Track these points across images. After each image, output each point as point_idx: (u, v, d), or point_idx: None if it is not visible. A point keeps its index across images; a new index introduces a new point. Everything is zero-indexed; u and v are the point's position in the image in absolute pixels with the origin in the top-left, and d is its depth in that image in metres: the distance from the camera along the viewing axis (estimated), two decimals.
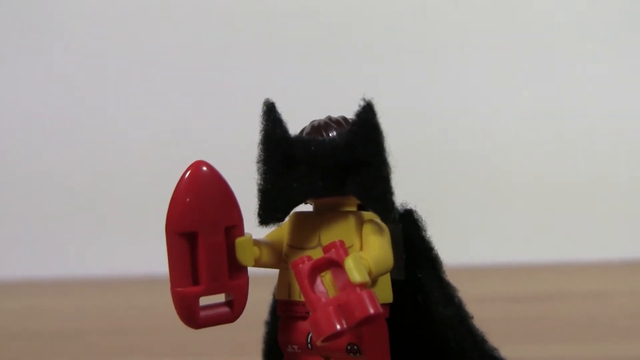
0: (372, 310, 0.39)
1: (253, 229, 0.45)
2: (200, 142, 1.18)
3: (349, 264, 0.40)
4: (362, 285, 0.40)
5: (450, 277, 0.46)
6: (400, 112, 1.16)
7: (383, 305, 0.44)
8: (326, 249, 0.42)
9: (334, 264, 0.41)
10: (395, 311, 0.46)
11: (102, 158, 1.21)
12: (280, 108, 0.45)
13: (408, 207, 0.46)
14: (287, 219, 0.46)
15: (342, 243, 0.42)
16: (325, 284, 0.42)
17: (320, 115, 0.47)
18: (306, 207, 0.47)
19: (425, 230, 0.46)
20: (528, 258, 1.17)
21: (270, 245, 0.47)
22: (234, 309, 0.46)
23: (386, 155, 0.42)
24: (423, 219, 0.46)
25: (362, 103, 0.42)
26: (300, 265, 0.42)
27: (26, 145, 1.22)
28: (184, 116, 1.21)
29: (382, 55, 1.20)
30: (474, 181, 1.20)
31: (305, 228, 0.46)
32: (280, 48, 1.20)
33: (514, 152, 1.21)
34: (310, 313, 0.41)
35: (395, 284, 0.45)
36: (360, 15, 1.21)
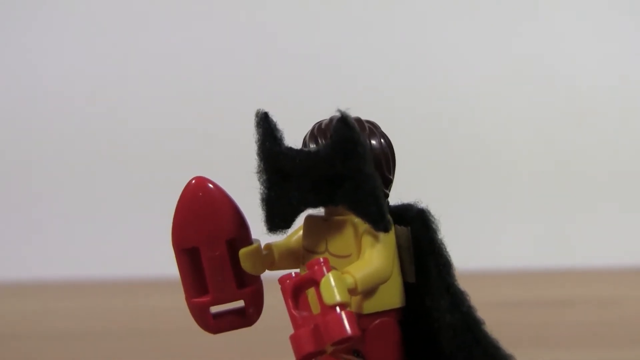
0: (349, 332, 0.40)
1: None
2: (213, 140, 1.18)
3: (324, 284, 0.41)
4: (340, 306, 0.40)
5: (460, 282, 0.45)
6: (399, 109, 1.16)
7: (391, 310, 0.44)
8: (309, 266, 0.42)
9: (315, 282, 0.41)
10: (407, 314, 0.45)
11: (112, 157, 1.21)
12: (276, 114, 0.44)
13: (420, 207, 0.45)
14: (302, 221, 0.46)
15: (325, 260, 0.42)
16: (310, 300, 0.42)
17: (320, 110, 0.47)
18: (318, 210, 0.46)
19: (435, 232, 0.45)
20: (539, 263, 1.16)
21: (289, 248, 0.47)
22: (248, 315, 0.48)
23: (368, 167, 0.42)
24: (435, 220, 0.45)
25: (337, 115, 0.42)
26: (287, 282, 0.42)
27: (44, 145, 1.21)
28: (195, 113, 1.20)
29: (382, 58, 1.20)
30: (479, 181, 1.19)
31: (314, 232, 0.46)
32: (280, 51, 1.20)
33: (526, 153, 1.20)
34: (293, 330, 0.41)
35: (408, 286, 0.45)
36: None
